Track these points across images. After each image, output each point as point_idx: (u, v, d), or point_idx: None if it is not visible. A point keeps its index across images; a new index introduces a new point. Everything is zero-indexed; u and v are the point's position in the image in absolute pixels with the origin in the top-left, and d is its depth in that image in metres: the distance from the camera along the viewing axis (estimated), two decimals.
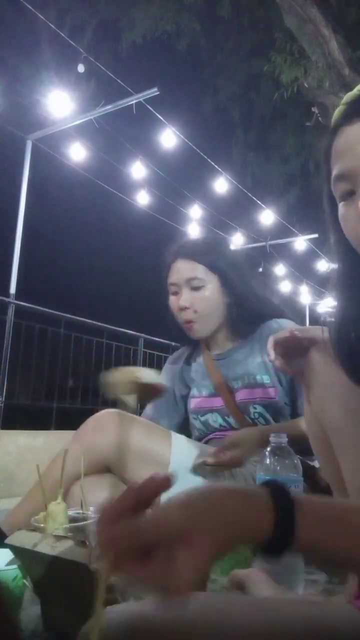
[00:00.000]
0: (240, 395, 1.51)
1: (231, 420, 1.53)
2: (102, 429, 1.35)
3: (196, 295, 1.51)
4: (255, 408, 1.47)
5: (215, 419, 1.57)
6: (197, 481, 1.36)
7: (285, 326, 1.48)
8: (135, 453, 1.33)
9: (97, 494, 1.14)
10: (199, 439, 1.63)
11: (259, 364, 1.50)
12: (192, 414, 1.63)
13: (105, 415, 1.41)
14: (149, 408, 1.72)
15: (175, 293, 1.56)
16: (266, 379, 1.49)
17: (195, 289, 1.51)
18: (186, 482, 1.33)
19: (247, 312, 1.53)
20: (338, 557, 0.46)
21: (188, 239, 1.64)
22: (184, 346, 1.74)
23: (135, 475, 1.29)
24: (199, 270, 1.52)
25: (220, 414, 1.56)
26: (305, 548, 0.46)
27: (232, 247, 1.70)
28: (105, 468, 1.35)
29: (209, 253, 1.55)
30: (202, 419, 1.59)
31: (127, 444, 1.34)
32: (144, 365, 6.39)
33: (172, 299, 1.57)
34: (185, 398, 1.69)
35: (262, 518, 0.44)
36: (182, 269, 1.54)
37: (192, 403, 1.64)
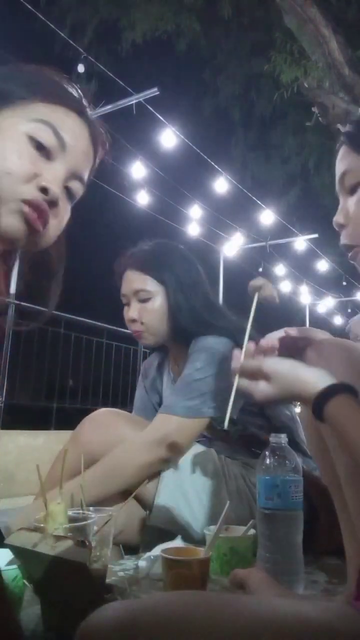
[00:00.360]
0: None
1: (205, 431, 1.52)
2: (98, 428, 1.36)
3: (143, 307, 1.51)
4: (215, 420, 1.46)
5: None
6: (194, 476, 1.37)
7: (205, 343, 1.44)
8: None
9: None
10: None
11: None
12: None
13: (100, 415, 1.42)
14: (134, 411, 1.71)
15: (127, 304, 1.55)
16: None
17: (143, 300, 1.51)
18: (180, 476, 1.34)
19: (184, 325, 1.50)
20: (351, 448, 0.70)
21: (138, 249, 1.59)
22: (155, 352, 1.73)
23: None
24: (147, 282, 1.51)
25: None
26: (330, 422, 0.74)
27: (183, 254, 1.60)
28: None
29: (157, 264, 1.53)
30: None
31: (123, 442, 1.34)
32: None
33: (125, 309, 1.56)
34: (159, 404, 1.69)
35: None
36: (131, 280, 1.53)
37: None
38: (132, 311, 1.52)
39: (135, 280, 1.52)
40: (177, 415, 1.35)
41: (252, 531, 1.14)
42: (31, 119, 0.71)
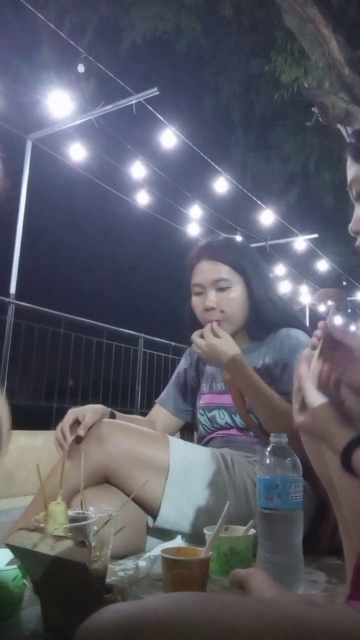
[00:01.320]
0: None
1: (237, 419, 1.54)
2: (97, 440, 1.34)
3: (222, 296, 1.53)
4: None
5: (222, 416, 1.57)
6: (199, 478, 1.36)
7: (298, 337, 1.50)
8: (133, 461, 1.33)
9: (95, 505, 1.13)
10: (202, 437, 1.63)
11: (259, 368, 1.51)
12: (200, 409, 1.64)
13: (100, 427, 1.39)
14: (163, 394, 1.77)
15: (199, 294, 1.57)
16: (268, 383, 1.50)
17: (222, 289, 1.53)
18: (185, 486, 1.34)
19: (266, 316, 1.55)
20: None
21: (212, 240, 1.64)
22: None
23: (134, 484, 1.28)
24: (225, 271, 1.54)
25: (227, 412, 1.57)
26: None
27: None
28: (103, 479, 1.34)
29: (234, 254, 1.57)
30: (209, 415, 1.60)
31: (123, 454, 1.33)
32: (143, 364, 6.39)
33: (195, 299, 1.58)
34: (195, 388, 1.71)
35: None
36: (207, 270, 1.55)
37: (202, 399, 1.65)
38: (209, 300, 1.53)
39: (213, 270, 1.54)
40: None
41: (252, 531, 1.14)
42: None
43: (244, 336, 1.60)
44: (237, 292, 1.54)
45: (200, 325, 1.57)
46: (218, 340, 1.42)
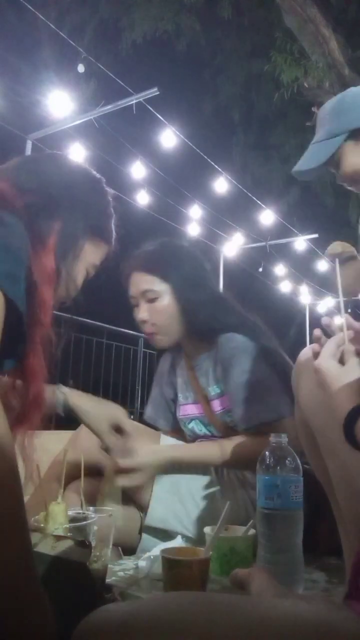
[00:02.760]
0: (216, 405, 1.50)
1: (212, 428, 1.53)
2: (90, 434, 1.34)
3: (152, 307, 1.49)
4: (230, 416, 1.46)
5: (200, 428, 1.56)
6: (188, 477, 1.37)
7: (238, 342, 1.44)
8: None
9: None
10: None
11: (215, 377, 1.50)
12: (180, 421, 1.64)
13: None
14: (148, 409, 1.72)
15: (136, 306, 1.54)
16: (217, 389, 1.50)
17: (151, 300, 1.49)
18: (175, 484, 1.34)
19: (201, 322, 1.48)
20: None
21: (141, 250, 1.58)
22: (169, 351, 1.72)
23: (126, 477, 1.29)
24: (153, 282, 1.49)
25: (202, 422, 1.56)
26: None
27: (190, 252, 1.60)
28: (99, 471, 1.35)
29: (161, 263, 1.52)
30: (189, 426, 1.59)
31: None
32: (143, 364, 6.39)
33: (134, 312, 1.55)
34: (174, 401, 1.69)
35: None
36: (137, 282, 1.51)
37: (180, 410, 1.64)
38: (141, 312, 1.50)
39: (141, 281, 1.51)
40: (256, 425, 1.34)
41: (252, 531, 1.14)
42: None
43: (195, 344, 1.55)
44: (165, 302, 1.48)
45: None
46: (138, 466, 1.30)
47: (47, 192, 0.94)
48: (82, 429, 1.40)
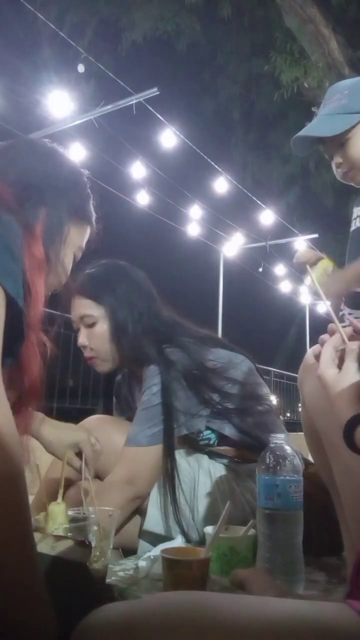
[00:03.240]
0: None
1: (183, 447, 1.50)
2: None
3: (90, 332, 1.47)
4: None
5: None
6: (183, 479, 1.36)
7: (149, 377, 1.41)
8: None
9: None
10: None
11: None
12: None
13: (92, 422, 1.39)
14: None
15: (77, 330, 1.51)
16: None
17: (89, 326, 1.47)
18: (172, 489, 1.34)
19: (129, 351, 1.45)
20: None
21: (81, 274, 1.54)
22: (122, 376, 1.70)
23: None
24: (90, 306, 1.47)
25: None
26: None
27: (134, 274, 1.55)
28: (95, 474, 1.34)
29: (98, 287, 1.49)
30: None
31: (114, 452, 1.33)
32: None
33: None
34: None
35: None
36: (75, 306, 1.49)
37: None
38: (81, 337, 1.48)
39: (79, 306, 1.48)
40: (142, 446, 1.32)
41: (252, 531, 1.14)
42: None
43: (139, 372, 1.50)
44: (102, 327, 1.45)
45: None
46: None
47: (28, 180, 0.93)
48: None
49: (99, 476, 1.36)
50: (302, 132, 1.40)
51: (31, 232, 0.87)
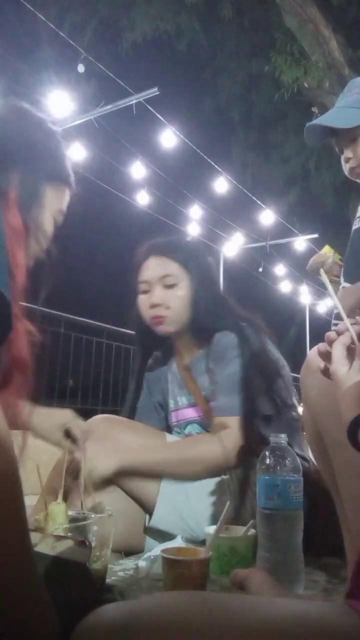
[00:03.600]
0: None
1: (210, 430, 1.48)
2: (96, 437, 1.32)
3: (169, 293, 1.47)
4: None
5: (198, 431, 1.52)
6: (193, 483, 1.36)
7: (229, 341, 1.44)
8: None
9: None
10: None
11: (206, 375, 1.49)
12: (175, 428, 1.58)
13: (96, 423, 1.38)
14: (139, 419, 1.64)
15: (146, 292, 1.50)
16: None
17: (168, 286, 1.48)
18: (183, 484, 1.33)
19: (204, 318, 1.48)
20: None
21: (161, 238, 1.59)
22: (155, 354, 1.68)
23: (131, 480, 1.28)
24: (173, 268, 1.49)
25: (200, 425, 1.52)
26: None
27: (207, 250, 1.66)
28: None
29: (183, 251, 1.53)
30: (186, 431, 1.55)
31: (120, 451, 1.32)
32: None
33: (141, 298, 1.51)
34: (163, 406, 1.65)
35: None
36: (155, 266, 1.50)
37: (173, 417, 1.59)
38: (155, 296, 1.47)
39: (161, 266, 1.49)
40: (239, 416, 1.35)
41: (252, 531, 1.14)
42: None
43: (191, 340, 1.54)
44: (183, 291, 1.48)
45: (146, 329, 1.52)
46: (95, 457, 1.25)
47: None
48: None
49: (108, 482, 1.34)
50: (316, 121, 1.41)
51: (5, 199, 0.83)
